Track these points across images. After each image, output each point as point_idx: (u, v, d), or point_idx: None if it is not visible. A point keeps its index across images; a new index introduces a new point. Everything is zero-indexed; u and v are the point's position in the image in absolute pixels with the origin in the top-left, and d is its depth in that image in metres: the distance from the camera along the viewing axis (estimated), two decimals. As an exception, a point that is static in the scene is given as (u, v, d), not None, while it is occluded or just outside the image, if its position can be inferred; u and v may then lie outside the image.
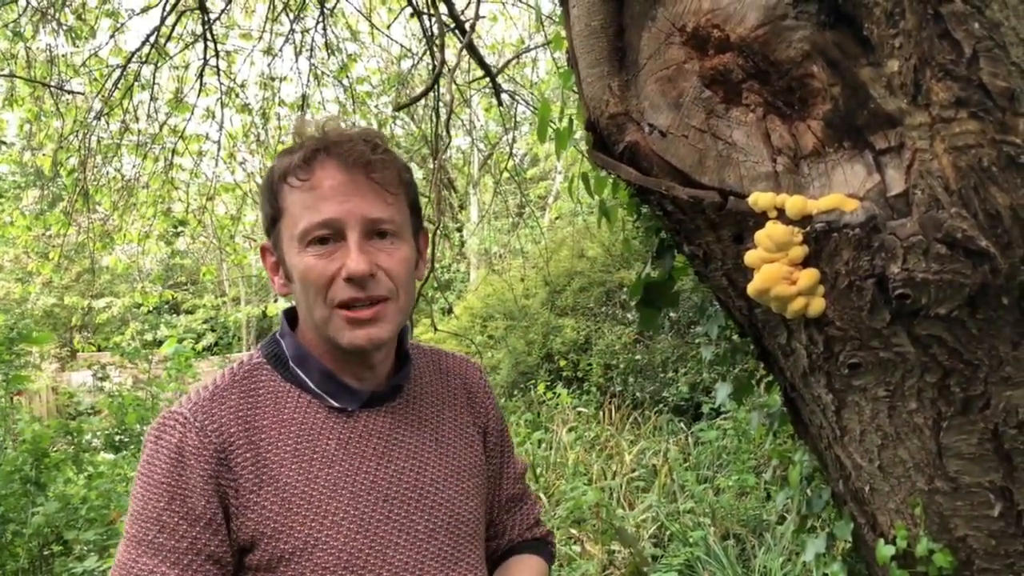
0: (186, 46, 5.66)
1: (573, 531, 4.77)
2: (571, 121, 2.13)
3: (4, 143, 7.40)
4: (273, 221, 1.17)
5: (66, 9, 5.51)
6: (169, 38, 5.36)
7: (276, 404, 1.15)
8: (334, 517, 1.09)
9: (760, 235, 1.11)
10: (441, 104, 4.47)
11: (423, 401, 1.27)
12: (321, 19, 5.44)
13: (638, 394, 8.07)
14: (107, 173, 6.37)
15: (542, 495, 5.48)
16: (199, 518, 1.05)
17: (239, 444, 1.09)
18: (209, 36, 5.17)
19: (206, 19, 5.09)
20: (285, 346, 1.20)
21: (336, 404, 1.17)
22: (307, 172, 1.11)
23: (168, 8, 4.89)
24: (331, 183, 1.10)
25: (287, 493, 1.09)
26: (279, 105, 6.42)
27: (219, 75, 5.54)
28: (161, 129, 6.02)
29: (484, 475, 1.32)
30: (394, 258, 1.14)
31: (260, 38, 5.83)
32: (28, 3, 5.13)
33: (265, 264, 1.23)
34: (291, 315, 1.24)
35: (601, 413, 7.72)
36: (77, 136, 5.82)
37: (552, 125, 2.19)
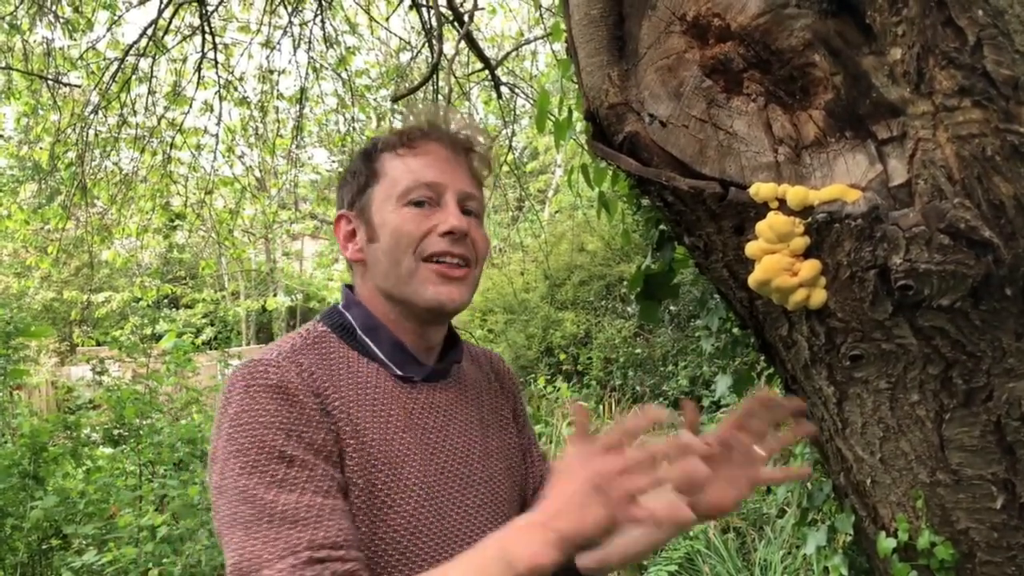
0: (184, 39, 5.64)
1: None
2: (570, 112, 2.12)
3: (1, 137, 7.37)
4: (364, 187, 1.21)
5: (63, 1, 5.48)
6: (167, 31, 5.33)
7: (348, 368, 1.15)
8: (407, 482, 1.10)
9: (761, 226, 1.10)
10: (440, 97, 4.45)
11: (467, 383, 1.30)
12: (319, 12, 5.42)
13: (638, 387, 8.08)
14: (105, 167, 6.36)
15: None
16: (320, 449, 1.02)
17: (329, 393, 1.08)
18: (207, 29, 5.15)
19: (204, 12, 5.07)
20: (352, 316, 1.21)
21: (402, 373, 1.18)
22: (414, 144, 1.20)
23: (166, 1, 4.87)
24: (436, 156, 1.20)
25: (371, 450, 1.08)
26: (277, 98, 6.40)
27: (217, 68, 5.52)
28: (159, 122, 6.00)
29: (518, 457, 1.35)
30: (479, 233, 1.22)
31: (258, 31, 5.81)
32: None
33: (337, 232, 1.26)
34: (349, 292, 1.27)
35: (601, 407, 7.73)
36: (75, 129, 5.80)
37: (551, 116, 2.18)
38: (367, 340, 1.19)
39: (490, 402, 1.33)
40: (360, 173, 1.22)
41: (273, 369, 1.05)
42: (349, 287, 1.27)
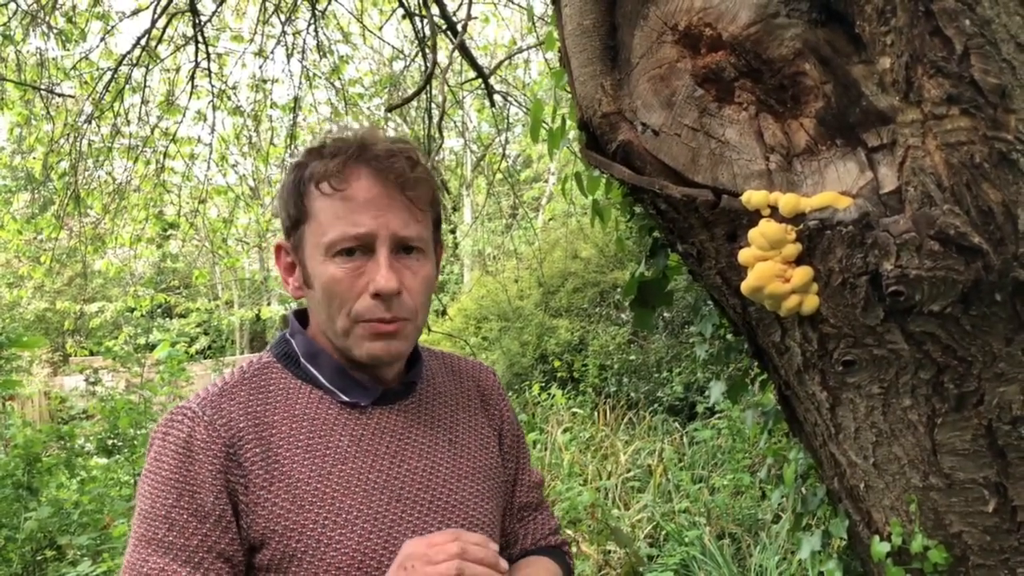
0: (177, 48, 5.65)
1: (569, 532, 4.76)
2: (564, 120, 2.13)
3: (-6, 147, 7.36)
4: (296, 223, 1.14)
5: (56, 12, 5.49)
6: (160, 40, 5.34)
7: (287, 400, 1.13)
8: (347, 515, 1.08)
9: (754, 233, 1.11)
10: (433, 105, 4.47)
11: (436, 401, 1.26)
12: (312, 21, 5.43)
13: (632, 394, 8.07)
14: (98, 176, 6.35)
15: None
16: (208, 515, 1.03)
17: (249, 439, 1.07)
18: (200, 38, 5.15)
19: (197, 21, 5.07)
20: (296, 344, 1.19)
21: (348, 399, 1.15)
22: (342, 181, 1.09)
23: (159, 10, 4.88)
24: (366, 196, 1.09)
25: (299, 490, 1.07)
26: (271, 107, 6.41)
27: (210, 77, 5.53)
28: (152, 132, 6.00)
29: (501, 478, 1.30)
30: (418, 277, 1.14)
31: (251, 40, 5.82)
32: (18, 6, 5.11)
33: (278, 263, 1.21)
34: (300, 316, 1.24)
35: (596, 413, 7.72)
36: (68, 139, 5.79)
37: (545, 125, 2.19)
38: (309, 367, 1.17)
39: (466, 420, 1.28)
40: (291, 205, 1.14)
41: (187, 422, 1.07)
42: (299, 312, 1.24)
